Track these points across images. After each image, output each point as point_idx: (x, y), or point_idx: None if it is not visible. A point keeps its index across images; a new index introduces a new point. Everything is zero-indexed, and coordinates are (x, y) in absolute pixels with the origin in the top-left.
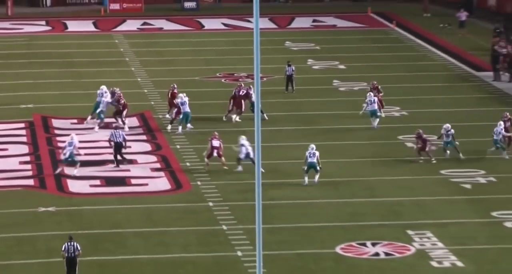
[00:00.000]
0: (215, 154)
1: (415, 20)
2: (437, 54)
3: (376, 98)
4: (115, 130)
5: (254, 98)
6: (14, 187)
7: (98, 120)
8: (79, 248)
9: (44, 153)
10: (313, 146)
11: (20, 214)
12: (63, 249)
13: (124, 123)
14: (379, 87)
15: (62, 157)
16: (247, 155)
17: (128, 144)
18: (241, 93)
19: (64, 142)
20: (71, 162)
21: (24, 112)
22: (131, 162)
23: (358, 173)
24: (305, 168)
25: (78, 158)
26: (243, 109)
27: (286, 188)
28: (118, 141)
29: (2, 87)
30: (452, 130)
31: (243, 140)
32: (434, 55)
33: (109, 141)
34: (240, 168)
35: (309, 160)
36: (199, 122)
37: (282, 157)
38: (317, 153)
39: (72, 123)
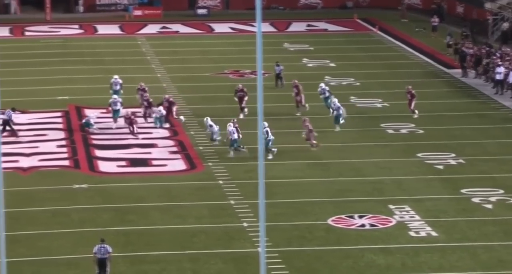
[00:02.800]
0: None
1: (394, 25)
2: (413, 54)
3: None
4: (8, 111)
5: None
6: (52, 167)
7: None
8: (109, 250)
9: (78, 138)
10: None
11: (57, 190)
12: (94, 251)
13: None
14: (413, 91)
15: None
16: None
17: (150, 130)
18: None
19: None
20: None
21: (61, 103)
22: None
23: (345, 156)
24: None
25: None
26: None
27: (285, 168)
28: (6, 118)
29: (42, 81)
30: (267, 128)
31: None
32: (410, 55)
33: None
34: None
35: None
36: (209, 111)
37: (281, 142)
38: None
39: (101, 112)
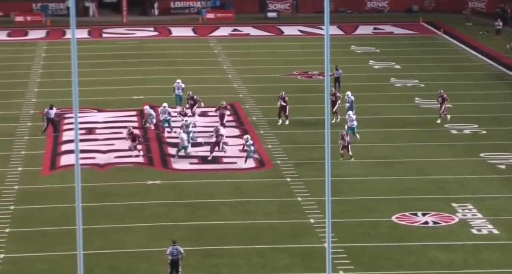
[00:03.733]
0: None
1: (459, 28)
2: (477, 57)
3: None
4: (49, 109)
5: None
6: (127, 164)
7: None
8: (182, 251)
9: (152, 136)
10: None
11: (131, 186)
12: (168, 252)
13: None
14: (445, 95)
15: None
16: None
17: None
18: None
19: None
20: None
21: (136, 102)
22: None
23: (409, 155)
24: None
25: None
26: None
27: (351, 167)
28: (49, 117)
29: (118, 81)
30: (250, 142)
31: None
32: (474, 57)
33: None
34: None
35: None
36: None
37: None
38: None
39: (174, 112)
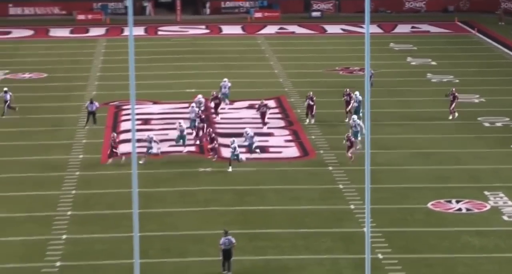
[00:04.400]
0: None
1: (492, 27)
2: (509, 54)
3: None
4: (89, 103)
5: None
6: (180, 152)
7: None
8: (233, 241)
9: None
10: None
11: (184, 173)
12: (220, 243)
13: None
14: (456, 94)
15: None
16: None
17: (266, 120)
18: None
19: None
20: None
21: (188, 95)
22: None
23: (445, 146)
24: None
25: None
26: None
27: (390, 157)
28: (91, 110)
29: (172, 76)
30: (235, 144)
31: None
32: (507, 55)
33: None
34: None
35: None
36: (320, 105)
37: (386, 132)
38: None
39: (225, 104)
